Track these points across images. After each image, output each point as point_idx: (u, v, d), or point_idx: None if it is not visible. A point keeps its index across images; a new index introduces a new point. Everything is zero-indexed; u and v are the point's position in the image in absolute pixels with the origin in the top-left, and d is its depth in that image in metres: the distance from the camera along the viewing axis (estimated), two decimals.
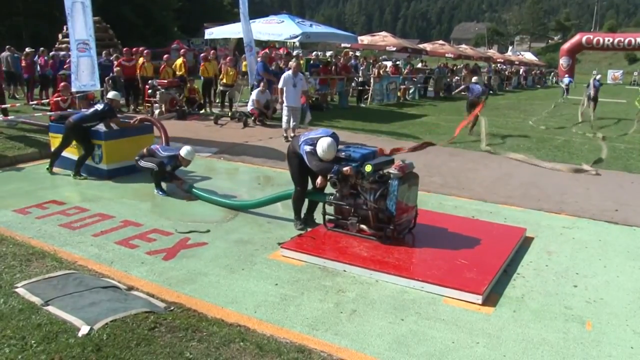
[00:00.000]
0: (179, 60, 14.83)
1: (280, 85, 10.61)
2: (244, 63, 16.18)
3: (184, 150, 6.89)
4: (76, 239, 5.19)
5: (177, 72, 14.51)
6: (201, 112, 14.15)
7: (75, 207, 6.18)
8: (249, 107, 12.95)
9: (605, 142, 11.85)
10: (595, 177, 8.50)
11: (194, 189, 6.75)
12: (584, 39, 44.28)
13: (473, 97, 13.45)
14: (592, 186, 7.90)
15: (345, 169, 5.03)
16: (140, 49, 14.51)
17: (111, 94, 8.00)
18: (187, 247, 5.10)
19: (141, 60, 13.91)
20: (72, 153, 7.73)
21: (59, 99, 10.00)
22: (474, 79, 15.66)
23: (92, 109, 7.80)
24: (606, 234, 5.84)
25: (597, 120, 16.61)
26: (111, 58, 15.33)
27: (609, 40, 43.67)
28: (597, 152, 10.50)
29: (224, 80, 14.20)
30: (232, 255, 4.92)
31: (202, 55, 16.62)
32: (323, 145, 5.09)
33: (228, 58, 15.14)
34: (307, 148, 5.21)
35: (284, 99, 10.47)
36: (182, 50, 17.82)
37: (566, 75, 30.21)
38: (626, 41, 42.74)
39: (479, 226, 5.73)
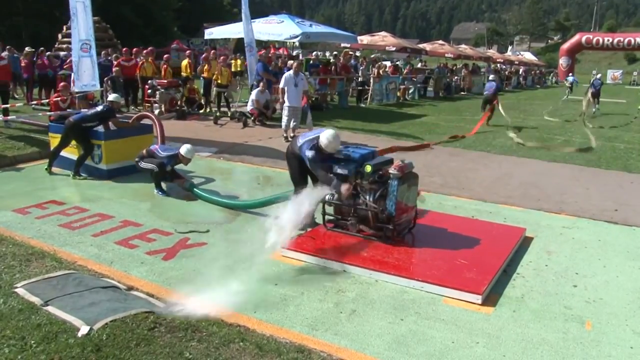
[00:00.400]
0: (185, 62, 14.81)
1: (281, 85, 10.59)
2: (233, 63, 16.20)
3: (184, 149, 6.90)
4: (76, 239, 5.18)
5: (183, 73, 14.51)
6: (201, 112, 14.14)
7: (74, 207, 6.18)
8: (249, 107, 12.95)
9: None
10: (595, 177, 8.50)
11: (194, 189, 6.76)
12: (583, 39, 44.41)
13: (488, 94, 14.75)
14: (592, 186, 7.90)
15: (344, 188, 4.98)
16: (148, 48, 14.46)
17: (112, 96, 8.07)
18: (186, 247, 5.10)
19: (141, 60, 13.91)
20: (71, 153, 7.74)
21: (59, 99, 10.01)
22: (491, 77, 16.32)
23: (92, 110, 7.84)
24: (606, 233, 5.84)
25: (596, 118, 17.20)
26: (110, 58, 15.32)
27: (608, 40, 43.79)
28: (596, 151, 10.53)
29: (219, 81, 13.88)
30: (232, 255, 4.91)
31: (202, 56, 16.59)
32: (327, 135, 5.00)
33: (221, 58, 15.02)
34: (310, 154, 5.08)
35: (285, 98, 10.46)
36: (188, 52, 17.74)
37: (570, 74, 30.24)
38: (626, 41, 42.88)
39: (478, 226, 5.73)
